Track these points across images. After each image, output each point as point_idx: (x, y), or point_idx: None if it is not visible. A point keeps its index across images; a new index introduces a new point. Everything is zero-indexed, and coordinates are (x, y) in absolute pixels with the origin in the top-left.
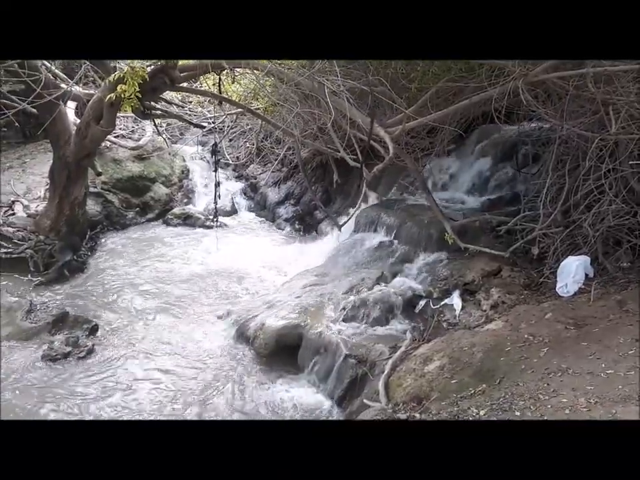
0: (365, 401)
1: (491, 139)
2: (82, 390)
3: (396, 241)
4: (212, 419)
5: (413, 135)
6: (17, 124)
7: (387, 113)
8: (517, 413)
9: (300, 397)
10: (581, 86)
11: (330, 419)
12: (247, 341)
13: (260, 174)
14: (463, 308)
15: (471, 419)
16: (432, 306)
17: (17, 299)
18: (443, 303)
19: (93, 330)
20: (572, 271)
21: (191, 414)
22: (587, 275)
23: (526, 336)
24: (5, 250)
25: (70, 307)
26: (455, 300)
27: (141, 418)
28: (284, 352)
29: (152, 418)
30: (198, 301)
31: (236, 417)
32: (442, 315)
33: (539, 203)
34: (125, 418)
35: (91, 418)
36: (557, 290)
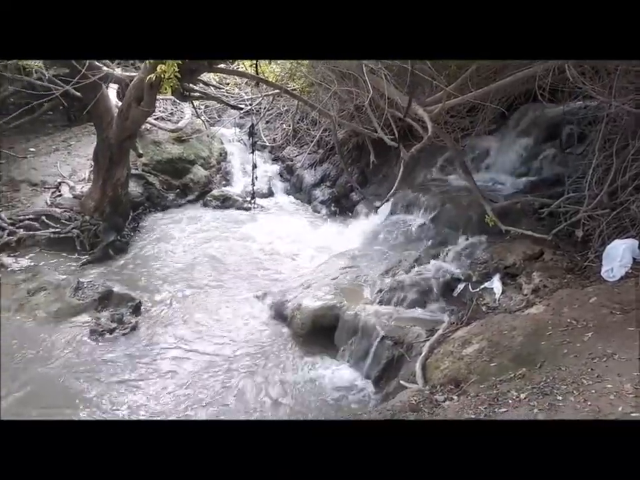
0: (401, 382)
1: (534, 118)
2: (128, 365)
3: (434, 224)
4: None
5: (453, 114)
6: (62, 107)
7: (425, 92)
8: (559, 397)
9: (337, 377)
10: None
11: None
12: (284, 321)
13: (296, 156)
14: (503, 292)
15: (510, 401)
16: (471, 289)
17: (64, 276)
18: (482, 286)
19: (137, 307)
20: (618, 255)
21: (230, 391)
22: (634, 259)
23: (569, 320)
24: (53, 230)
25: (115, 285)
26: (495, 283)
27: (180, 393)
28: (320, 332)
29: (189, 393)
30: (236, 281)
31: (275, 392)
32: (481, 299)
33: (584, 184)
34: (162, 394)
35: (130, 394)
36: (602, 274)
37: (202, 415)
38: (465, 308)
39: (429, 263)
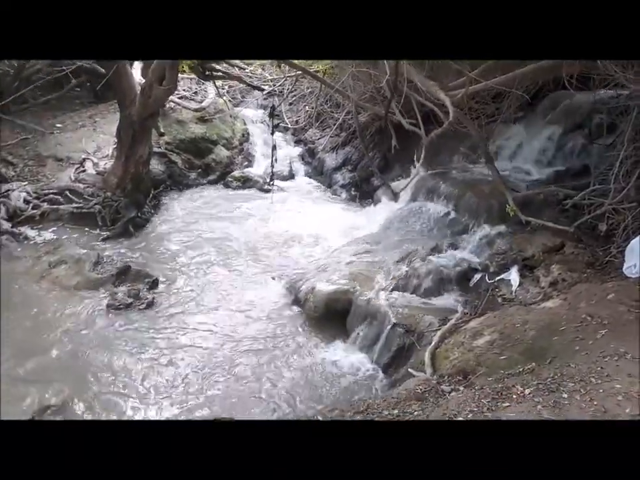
0: (409, 370)
1: (562, 107)
2: (142, 339)
3: (454, 211)
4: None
5: (478, 100)
6: (88, 84)
7: (449, 76)
8: (565, 395)
9: (347, 361)
10: None
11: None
12: (297, 303)
13: (318, 139)
14: (520, 284)
15: (514, 396)
16: (487, 280)
17: (85, 251)
18: (499, 277)
19: (154, 284)
20: None
21: (240, 371)
22: None
23: (584, 316)
24: (76, 205)
25: (133, 261)
26: (513, 275)
27: (191, 374)
28: (333, 316)
29: (200, 373)
30: (252, 262)
31: (285, 373)
32: (497, 290)
33: (610, 176)
34: (176, 371)
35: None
36: (623, 270)
37: (213, 393)
38: (480, 298)
39: (446, 251)
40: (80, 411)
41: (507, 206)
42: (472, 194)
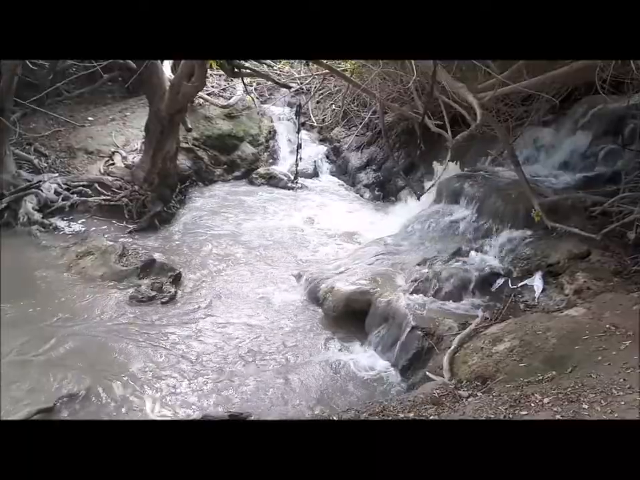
0: (427, 373)
1: (594, 111)
2: (163, 332)
3: (478, 215)
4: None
5: (506, 103)
6: (120, 78)
7: (478, 77)
8: (585, 406)
9: (363, 362)
10: None
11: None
12: (316, 302)
13: (344, 137)
14: (543, 290)
15: (532, 405)
16: (510, 285)
17: (112, 242)
18: (522, 283)
19: (177, 278)
20: None
21: (256, 367)
22: None
23: (607, 326)
24: (104, 197)
25: (157, 255)
26: (536, 281)
27: (208, 367)
28: (351, 316)
29: (217, 368)
30: (274, 259)
31: (301, 371)
32: (519, 296)
33: None
34: (194, 364)
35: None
36: None
37: (228, 387)
38: (502, 304)
39: (468, 255)
40: (100, 399)
41: (533, 211)
42: (497, 197)
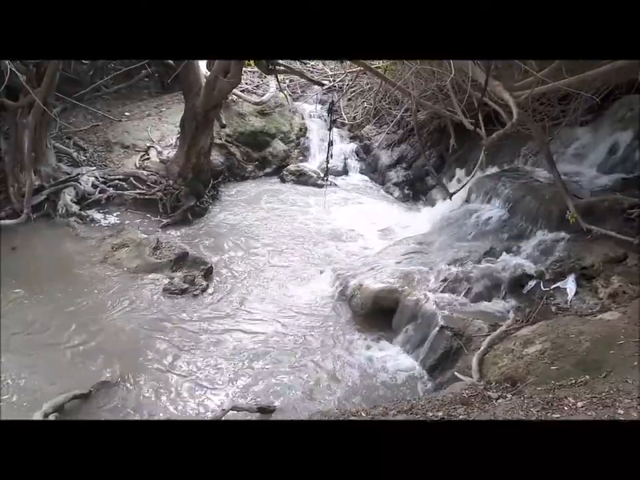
0: (456, 373)
1: (635, 111)
2: (194, 324)
3: (511, 215)
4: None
5: (543, 102)
6: (157, 75)
7: (515, 76)
8: (620, 411)
9: (391, 360)
10: None
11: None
12: (344, 299)
13: (374, 135)
14: (576, 293)
15: (566, 408)
16: (542, 287)
17: (146, 236)
18: (555, 285)
19: (209, 271)
20: None
21: (283, 362)
22: None
23: None
24: (139, 191)
25: (190, 248)
26: (569, 284)
27: (235, 360)
28: (379, 314)
29: (245, 361)
30: (303, 255)
31: (328, 367)
32: (552, 299)
33: None
34: (222, 357)
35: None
36: None
37: (255, 380)
38: (533, 306)
39: (500, 256)
40: (133, 387)
41: (568, 212)
42: (531, 198)
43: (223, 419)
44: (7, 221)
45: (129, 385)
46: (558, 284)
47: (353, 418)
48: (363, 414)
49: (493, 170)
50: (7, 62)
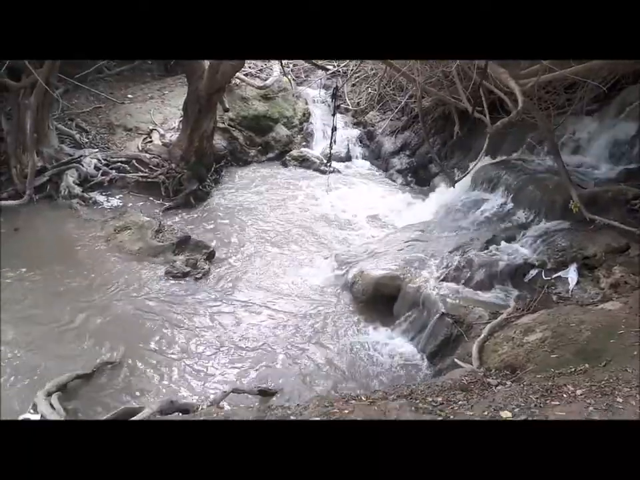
0: (456, 360)
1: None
2: (196, 307)
3: (514, 204)
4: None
5: (549, 90)
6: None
7: (521, 63)
8: (619, 399)
9: (391, 346)
10: None
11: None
12: (346, 285)
13: (378, 122)
14: (577, 283)
15: (565, 396)
16: (543, 277)
17: (148, 218)
18: (556, 275)
19: (211, 255)
20: None
21: (283, 347)
22: None
23: None
24: (142, 174)
25: (192, 232)
26: (571, 273)
27: (236, 344)
28: (380, 301)
29: (245, 345)
30: (304, 241)
31: (329, 353)
32: (553, 288)
33: None
34: (222, 340)
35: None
36: None
37: (254, 365)
38: (534, 295)
39: (502, 244)
40: (134, 368)
41: (571, 202)
42: (534, 187)
43: (224, 406)
44: (10, 202)
45: (129, 366)
46: (559, 273)
47: (349, 407)
48: (363, 398)
49: (497, 158)
50: None
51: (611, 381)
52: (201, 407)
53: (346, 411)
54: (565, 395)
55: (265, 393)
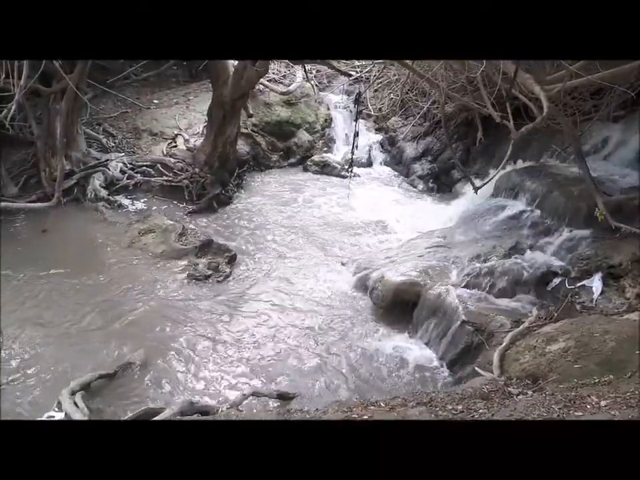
0: (476, 368)
1: None
2: (217, 309)
3: (537, 211)
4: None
5: (575, 96)
6: (185, 63)
7: (547, 68)
8: None
9: (410, 353)
10: None
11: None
12: (365, 291)
13: (400, 127)
14: (602, 292)
15: (588, 406)
16: (567, 285)
17: (172, 222)
18: (580, 283)
19: (232, 259)
20: None
21: (302, 351)
22: None
23: None
24: (166, 178)
25: (214, 235)
26: (595, 282)
27: (255, 348)
28: (400, 307)
29: (265, 349)
30: (325, 246)
31: (347, 357)
32: (576, 297)
33: None
34: (243, 344)
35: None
36: None
37: (273, 369)
38: (558, 304)
39: (525, 252)
40: (154, 369)
41: (597, 209)
42: (559, 194)
43: (241, 408)
44: (39, 204)
45: (151, 367)
46: (584, 282)
47: (364, 415)
48: (382, 404)
49: (521, 165)
50: None
51: (636, 392)
52: (220, 409)
53: (365, 417)
54: (588, 406)
55: (284, 397)
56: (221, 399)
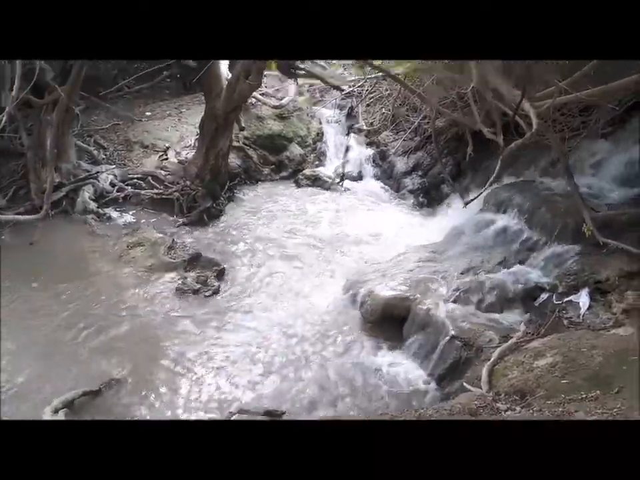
0: (465, 384)
1: None
2: (205, 325)
3: (525, 226)
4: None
5: (564, 112)
6: (178, 75)
7: (536, 85)
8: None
9: (399, 368)
10: None
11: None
12: (354, 305)
13: (391, 142)
14: (589, 307)
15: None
16: (554, 301)
17: (161, 235)
18: (567, 299)
19: (221, 273)
20: None
21: (290, 366)
22: None
23: None
24: (157, 191)
25: (204, 249)
26: (583, 298)
27: (243, 363)
28: (389, 322)
29: (252, 364)
30: (315, 260)
31: (335, 372)
32: (564, 312)
33: None
34: (230, 359)
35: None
36: None
37: (261, 384)
38: (545, 319)
39: (513, 267)
40: (140, 385)
41: (584, 225)
42: (546, 209)
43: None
44: (27, 217)
45: (137, 383)
46: (571, 297)
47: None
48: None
49: (509, 180)
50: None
51: (623, 408)
52: None
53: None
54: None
55: (271, 414)
56: (208, 416)
